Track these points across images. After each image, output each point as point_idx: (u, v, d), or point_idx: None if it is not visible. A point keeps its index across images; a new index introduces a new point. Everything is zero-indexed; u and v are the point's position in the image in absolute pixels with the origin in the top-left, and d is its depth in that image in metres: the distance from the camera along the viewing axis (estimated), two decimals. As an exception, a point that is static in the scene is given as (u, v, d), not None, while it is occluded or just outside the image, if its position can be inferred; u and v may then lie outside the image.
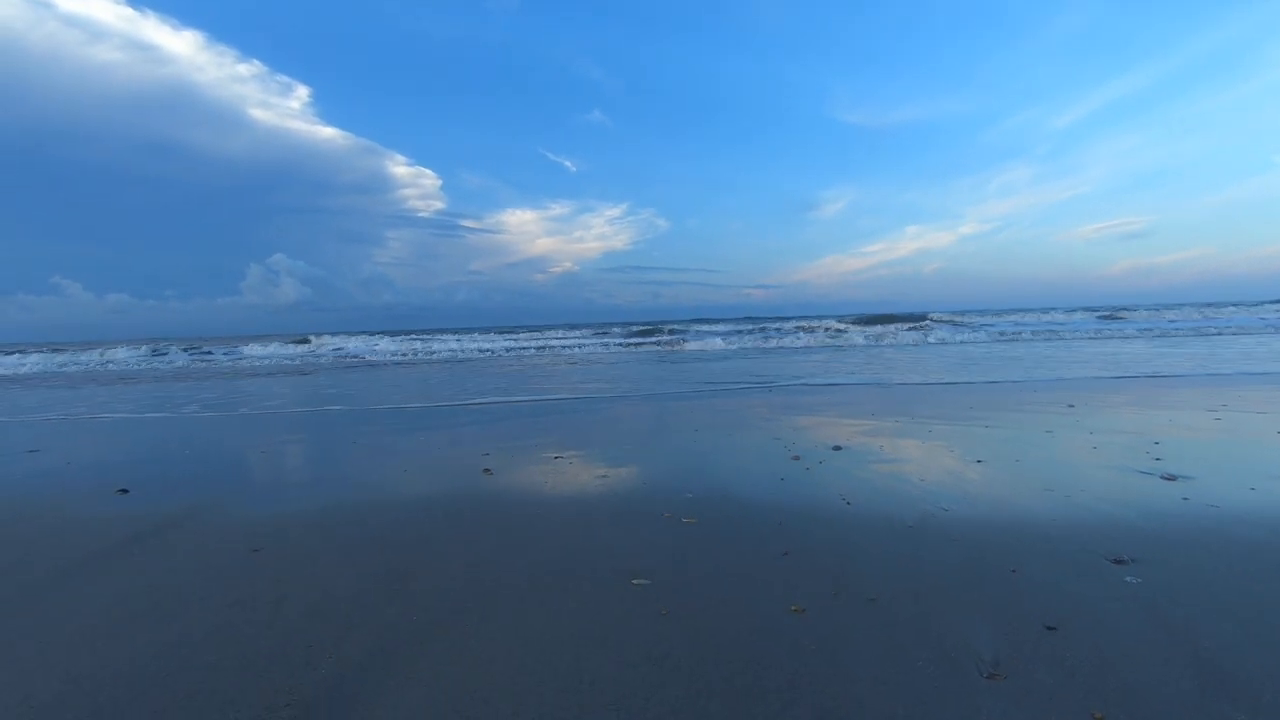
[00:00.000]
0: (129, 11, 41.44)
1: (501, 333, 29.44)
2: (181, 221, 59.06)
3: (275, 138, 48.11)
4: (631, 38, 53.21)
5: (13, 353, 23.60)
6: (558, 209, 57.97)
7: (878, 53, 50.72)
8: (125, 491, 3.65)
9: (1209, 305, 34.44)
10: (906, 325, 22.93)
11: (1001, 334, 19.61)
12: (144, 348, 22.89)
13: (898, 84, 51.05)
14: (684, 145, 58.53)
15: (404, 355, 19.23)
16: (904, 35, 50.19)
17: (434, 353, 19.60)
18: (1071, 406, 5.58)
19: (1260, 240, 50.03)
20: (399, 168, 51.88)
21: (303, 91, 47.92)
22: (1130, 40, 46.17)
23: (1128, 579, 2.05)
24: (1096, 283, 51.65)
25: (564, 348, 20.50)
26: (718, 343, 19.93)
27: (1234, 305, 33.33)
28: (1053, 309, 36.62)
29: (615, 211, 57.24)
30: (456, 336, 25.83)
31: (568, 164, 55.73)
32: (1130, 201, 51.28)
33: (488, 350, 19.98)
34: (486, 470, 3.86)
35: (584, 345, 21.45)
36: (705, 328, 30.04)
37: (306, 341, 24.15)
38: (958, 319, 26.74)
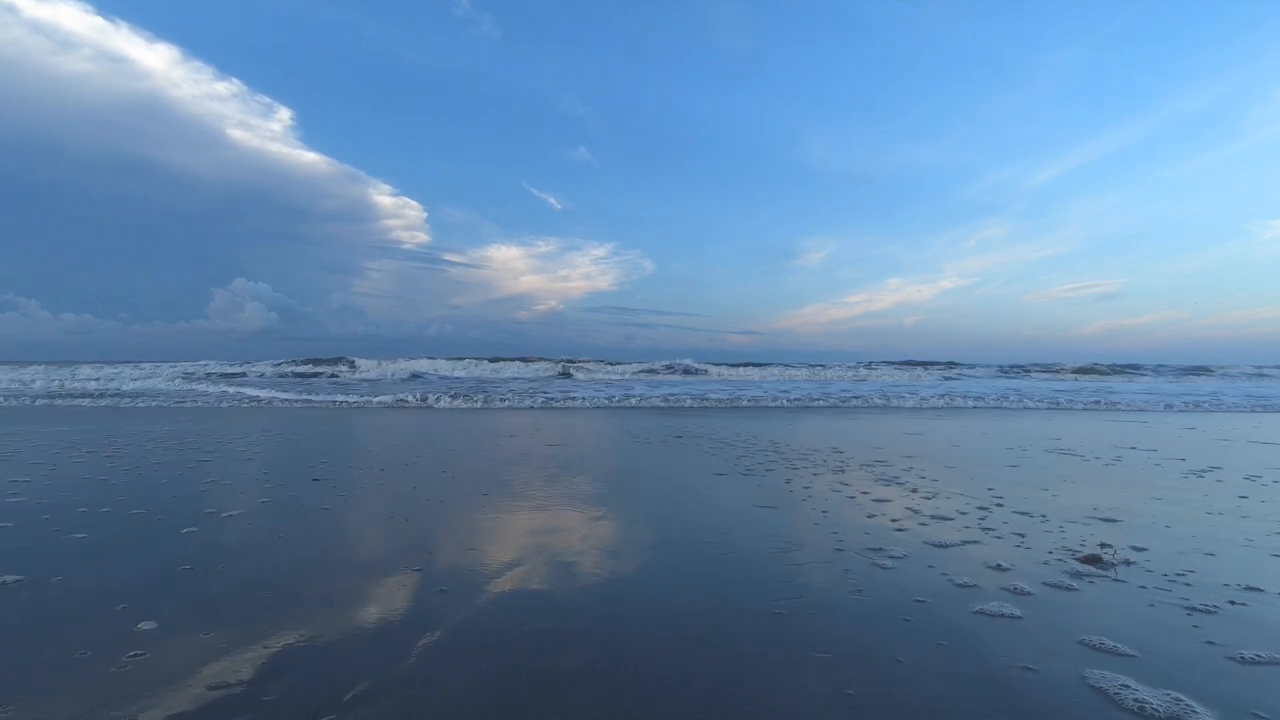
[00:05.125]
0: (100, 21, 40.94)
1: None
2: (150, 242, 57.79)
3: (254, 159, 47.48)
4: (613, 74, 54.68)
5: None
6: (543, 246, 58.30)
7: (857, 100, 53.15)
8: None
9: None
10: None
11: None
12: None
13: (877, 133, 53.33)
14: (669, 186, 59.74)
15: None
16: (883, 84, 53.02)
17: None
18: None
19: (1231, 306, 52.64)
20: (383, 197, 51.76)
21: (285, 113, 47.59)
22: (1104, 102, 49.33)
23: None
24: (1073, 342, 53.54)
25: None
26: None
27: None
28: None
29: (601, 251, 57.94)
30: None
31: (552, 201, 56.44)
32: (1104, 263, 53.86)
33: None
34: None
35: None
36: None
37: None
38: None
